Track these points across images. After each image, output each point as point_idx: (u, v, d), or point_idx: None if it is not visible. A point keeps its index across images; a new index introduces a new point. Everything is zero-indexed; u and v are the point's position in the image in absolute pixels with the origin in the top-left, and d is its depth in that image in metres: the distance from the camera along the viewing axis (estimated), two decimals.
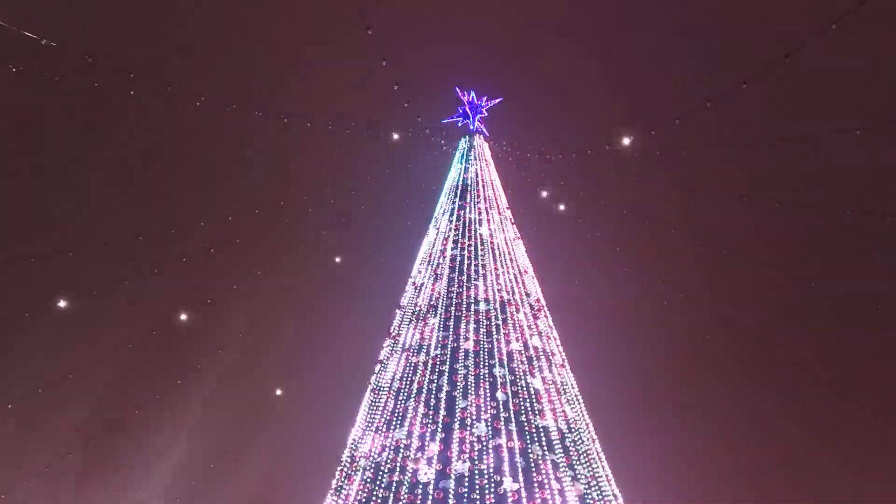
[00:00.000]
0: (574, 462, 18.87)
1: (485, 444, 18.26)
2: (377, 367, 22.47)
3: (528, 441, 18.57)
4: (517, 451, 18.20)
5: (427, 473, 17.73)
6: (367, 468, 19.00)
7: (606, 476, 19.49)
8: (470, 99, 30.85)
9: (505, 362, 20.48)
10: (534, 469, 18.01)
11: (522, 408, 19.31)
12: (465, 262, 24.02)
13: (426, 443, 18.57)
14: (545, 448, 18.64)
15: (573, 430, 19.81)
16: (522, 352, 21.01)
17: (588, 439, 20.02)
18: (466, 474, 17.55)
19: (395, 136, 27.26)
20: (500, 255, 24.46)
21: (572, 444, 19.25)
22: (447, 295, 22.93)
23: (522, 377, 20.15)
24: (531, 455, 18.26)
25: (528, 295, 23.59)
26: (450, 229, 25.81)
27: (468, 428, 18.57)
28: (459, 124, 30.97)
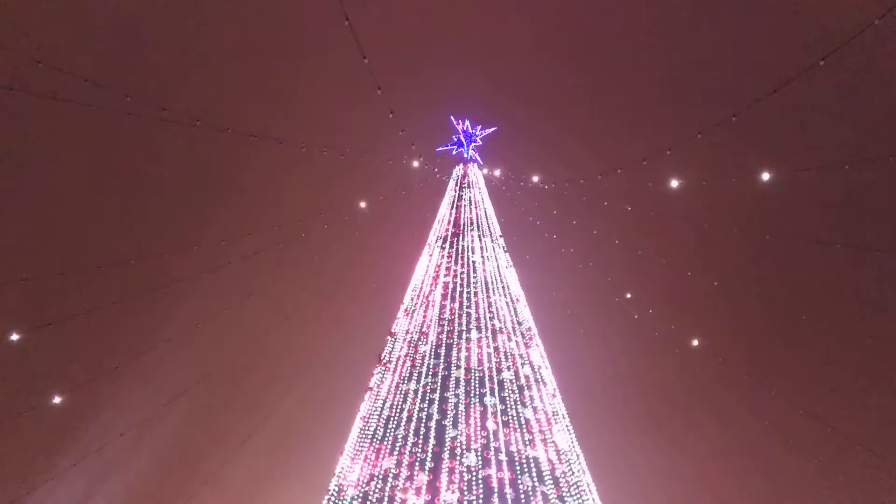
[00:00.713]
0: (564, 494, 18.65)
1: (474, 474, 18.05)
2: (367, 395, 22.27)
3: (519, 472, 18.37)
4: (507, 481, 17.99)
5: (416, 503, 17.48)
6: (355, 498, 18.71)
7: None
8: (464, 128, 31.11)
9: (496, 391, 20.34)
10: (524, 500, 17.79)
11: (513, 438, 19.13)
12: (458, 289, 23.99)
13: (415, 472, 18.34)
14: (535, 479, 18.43)
15: (564, 460, 19.61)
16: (513, 381, 20.89)
17: (578, 470, 19.82)
18: None
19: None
20: (492, 282, 24.45)
21: (563, 476, 19.04)
22: (439, 322, 22.86)
23: (513, 406, 20.01)
24: (521, 486, 18.05)
25: (519, 323, 23.54)
26: (443, 256, 25.83)
27: (458, 458, 18.37)
28: (454, 153, 31.19)
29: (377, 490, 18.37)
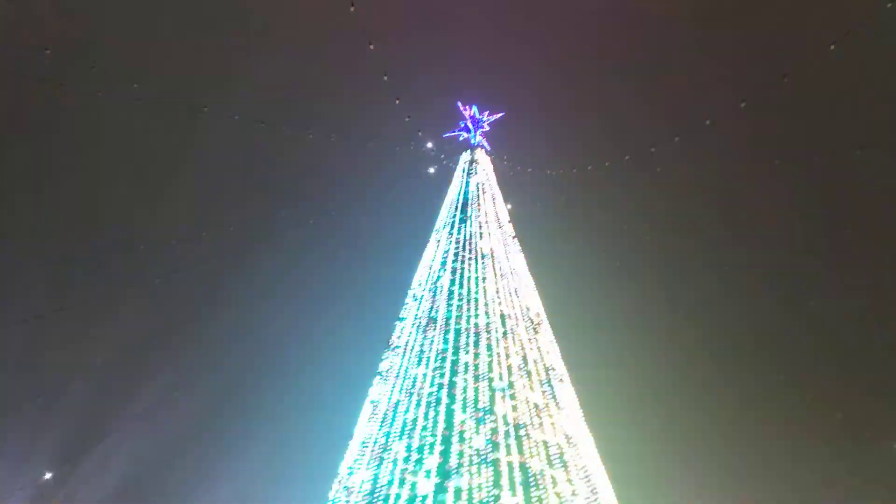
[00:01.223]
0: (573, 477, 18.78)
1: (484, 457, 18.18)
2: (376, 380, 22.42)
3: (528, 455, 18.49)
4: (516, 464, 18.13)
5: (425, 486, 17.64)
6: (365, 480, 18.91)
7: (605, 490, 19.39)
8: (472, 114, 31.05)
9: (504, 376, 20.43)
10: (532, 483, 17.92)
11: (522, 421, 19.25)
12: (466, 274, 24.04)
13: (425, 455, 18.51)
14: (544, 462, 18.56)
15: (572, 444, 19.74)
16: (522, 365, 20.98)
17: (588, 453, 19.94)
18: (465, 487, 17.46)
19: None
20: (500, 268, 24.47)
21: (571, 459, 19.18)
22: (447, 307, 22.95)
23: (522, 391, 20.11)
24: (530, 469, 18.18)
25: (528, 308, 23.59)
26: (450, 242, 25.88)
27: (467, 441, 18.51)
28: (460, 139, 31.16)
29: (388, 472, 18.55)
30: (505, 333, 21.68)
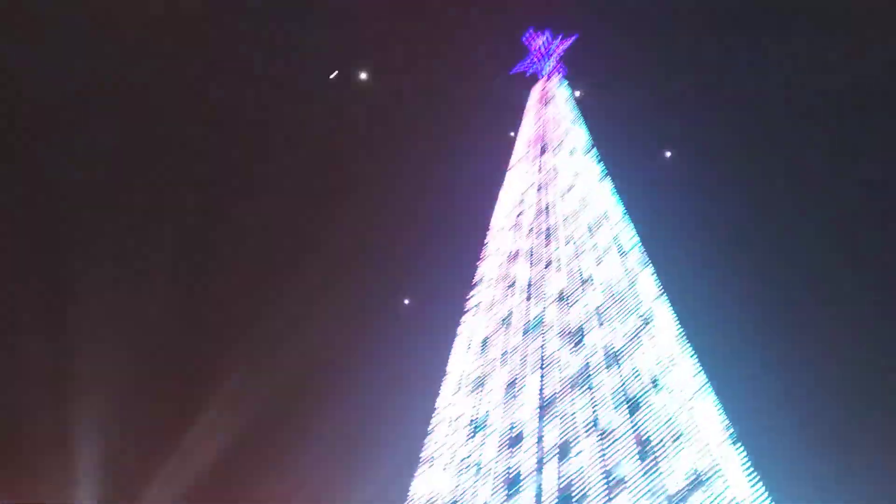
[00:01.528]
0: (670, 400, 18.51)
1: (578, 384, 18.20)
2: (468, 314, 22.64)
3: (620, 382, 18.35)
4: (613, 389, 18.07)
5: (525, 413, 17.89)
6: (465, 412, 19.37)
7: (706, 410, 19.07)
8: (539, 45, 29.99)
9: (594, 305, 20.17)
10: (631, 406, 17.80)
11: (616, 347, 19.06)
12: (548, 207, 23.69)
13: (519, 386, 18.75)
14: (641, 386, 18.36)
15: (670, 367, 19.37)
16: (613, 292, 20.61)
17: (686, 374, 19.55)
18: (565, 413, 17.61)
19: None
20: (583, 197, 23.90)
21: (669, 381, 18.89)
22: (530, 241, 22.78)
23: (614, 316, 19.81)
24: (628, 393, 18.06)
25: (616, 236, 22.99)
26: (529, 176, 25.50)
27: (563, 369, 18.57)
28: (529, 73, 30.30)
29: (486, 403, 18.91)
30: (596, 259, 21.30)
